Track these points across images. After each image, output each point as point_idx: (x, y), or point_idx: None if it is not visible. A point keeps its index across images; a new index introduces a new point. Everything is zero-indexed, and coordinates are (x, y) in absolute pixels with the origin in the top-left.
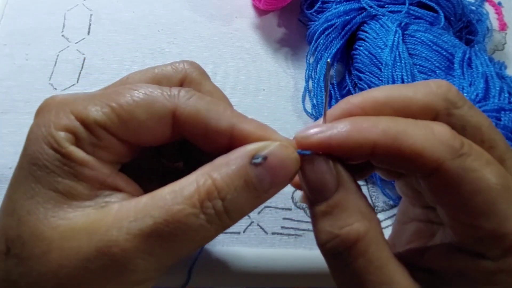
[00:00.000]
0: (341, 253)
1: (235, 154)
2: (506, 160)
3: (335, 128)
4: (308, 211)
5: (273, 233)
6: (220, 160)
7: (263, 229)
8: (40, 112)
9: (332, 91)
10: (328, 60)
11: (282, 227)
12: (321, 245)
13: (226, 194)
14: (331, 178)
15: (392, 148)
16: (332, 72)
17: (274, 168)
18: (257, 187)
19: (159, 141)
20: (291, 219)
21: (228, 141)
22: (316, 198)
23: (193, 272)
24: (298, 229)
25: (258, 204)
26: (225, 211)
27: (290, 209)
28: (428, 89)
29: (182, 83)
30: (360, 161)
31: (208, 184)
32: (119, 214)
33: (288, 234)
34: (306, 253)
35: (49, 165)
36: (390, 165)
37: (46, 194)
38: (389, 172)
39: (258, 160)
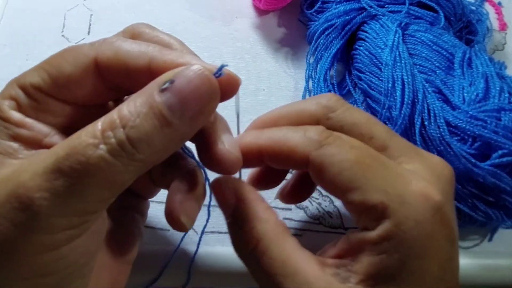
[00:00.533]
0: (249, 256)
1: (145, 88)
2: (388, 147)
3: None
4: (308, 211)
5: None
6: (131, 96)
7: None
8: None
9: (332, 91)
10: (236, 96)
11: None
12: (236, 251)
13: (127, 122)
14: (230, 196)
15: (274, 149)
16: (332, 72)
17: (182, 90)
18: (165, 113)
19: (92, 97)
20: (291, 219)
21: (149, 77)
22: (225, 213)
23: (192, 272)
24: (298, 229)
25: (174, 136)
26: (127, 139)
27: (290, 209)
28: (315, 101)
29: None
30: (259, 164)
31: (113, 115)
32: (32, 158)
33: None
34: None
35: None
36: (278, 164)
37: None
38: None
39: (165, 85)
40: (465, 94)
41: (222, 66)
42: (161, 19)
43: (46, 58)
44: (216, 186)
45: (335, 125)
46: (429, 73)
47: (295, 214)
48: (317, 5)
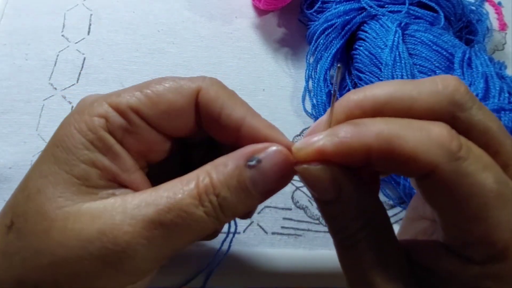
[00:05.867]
0: (346, 247)
1: (233, 155)
2: (509, 166)
3: (328, 137)
4: (308, 211)
5: (273, 233)
6: (220, 160)
7: (263, 229)
8: (77, 104)
9: (332, 91)
10: (339, 65)
11: (282, 227)
12: (333, 233)
13: (220, 191)
14: (331, 186)
15: (386, 152)
16: (332, 72)
17: (267, 172)
18: (250, 188)
19: (186, 129)
20: (291, 219)
21: (237, 132)
22: (320, 201)
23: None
24: (298, 229)
25: (252, 205)
26: (219, 206)
27: (290, 209)
28: (434, 89)
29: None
30: (360, 165)
31: (206, 181)
32: (123, 202)
33: (288, 234)
34: (306, 253)
35: (72, 148)
36: (386, 168)
37: (60, 175)
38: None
39: (253, 163)
40: None
41: None
42: (161, 19)
43: (141, 83)
44: (314, 173)
45: (460, 127)
46: (429, 73)
47: (295, 214)
48: (317, 5)
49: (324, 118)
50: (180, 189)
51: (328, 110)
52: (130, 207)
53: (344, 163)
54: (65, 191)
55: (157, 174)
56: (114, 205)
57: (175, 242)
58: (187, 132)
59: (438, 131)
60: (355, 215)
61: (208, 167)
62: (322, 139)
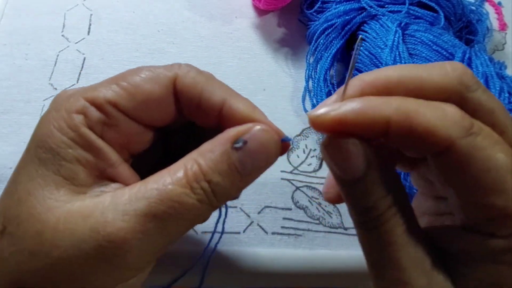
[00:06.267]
0: (371, 228)
1: (218, 140)
2: None
3: (348, 105)
4: (308, 211)
5: (273, 233)
6: (205, 146)
7: (263, 229)
8: (53, 100)
9: (332, 91)
10: (361, 36)
11: (282, 227)
12: (356, 215)
13: (211, 177)
14: (361, 161)
15: (405, 125)
16: (332, 72)
17: (254, 152)
18: (240, 170)
19: (165, 118)
20: (291, 219)
21: (218, 115)
22: (345, 179)
23: (190, 272)
24: (298, 229)
25: (244, 186)
26: (212, 192)
27: (290, 209)
28: (443, 71)
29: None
30: (376, 140)
31: (195, 168)
32: (113, 199)
33: (288, 234)
34: (306, 253)
35: (55, 148)
36: (403, 144)
37: (48, 176)
38: (405, 164)
39: (239, 145)
40: None
41: (289, 139)
42: (161, 19)
43: (117, 75)
44: (343, 146)
45: (468, 108)
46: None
47: (295, 214)
48: (317, 5)
49: (334, 96)
50: (168, 179)
51: (342, 86)
52: (121, 203)
53: (362, 134)
54: (55, 192)
55: (141, 164)
56: (105, 202)
57: (170, 232)
58: (168, 120)
59: (452, 109)
60: (383, 194)
61: (194, 154)
62: (342, 106)
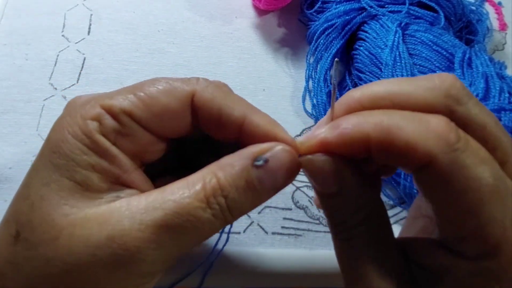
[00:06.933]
0: (343, 239)
1: (239, 155)
2: (507, 162)
3: (329, 129)
4: (308, 211)
5: (273, 233)
6: (225, 160)
7: (263, 229)
8: (67, 106)
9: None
10: (336, 59)
11: (282, 227)
12: (331, 226)
13: (229, 193)
14: (333, 178)
15: (385, 141)
16: (332, 72)
17: (275, 171)
18: (258, 188)
19: (181, 131)
20: (291, 219)
21: (238, 130)
22: (322, 193)
23: (195, 273)
24: (298, 229)
25: (259, 203)
26: (227, 208)
27: (290, 209)
28: (431, 84)
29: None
30: (363, 156)
31: (213, 182)
32: (130, 206)
33: (288, 234)
34: (306, 253)
35: (70, 154)
36: (385, 160)
37: (62, 182)
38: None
39: (260, 163)
40: None
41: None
42: (161, 19)
43: (134, 84)
44: (316, 165)
45: (458, 122)
46: (429, 73)
47: (295, 214)
48: (317, 5)
49: (325, 117)
50: (186, 192)
51: (330, 107)
52: (137, 211)
53: (346, 154)
54: (69, 198)
55: (154, 169)
56: (121, 209)
57: (184, 244)
58: (182, 133)
59: (437, 122)
60: (354, 210)
61: (213, 167)
62: (324, 131)
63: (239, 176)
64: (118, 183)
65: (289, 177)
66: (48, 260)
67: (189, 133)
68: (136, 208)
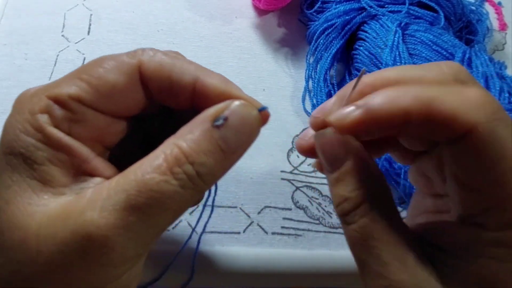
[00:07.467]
0: (349, 214)
1: (197, 121)
2: None
3: (368, 104)
4: (308, 211)
5: (273, 233)
6: (183, 129)
7: (263, 229)
8: (15, 102)
9: (332, 91)
10: (364, 68)
11: (282, 227)
12: (335, 208)
13: (195, 159)
14: (341, 149)
15: (425, 113)
16: (332, 72)
17: (237, 127)
18: (224, 148)
19: (136, 106)
20: (291, 219)
21: (192, 95)
22: (330, 167)
23: (194, 270)
24: (298, 229)
25: (230, 166)
26: (197, 174)
27: (290, 209)
28: (439, 69)
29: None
30: (399, 131)
31: (175, 152)
32: (92, 196)
33: (288, 234)
34: (306, 253)
35: (24, 152)
36: (422, 132)
37: (23, 182)
38: (404, 155)
39: (220, 122)
40: None
41: (265, 108)
42: (161, 19)
43: (78, 68)
44: (326, 137)
45: None
46: None
47: (295, 214)
48: (317, 5)
49: (333, 99)
50: (147, 169)
51: (341, 89)
52: (99, 199)
53: (377, 131)
54: (33, 197)
55: (121, 156)
56: (82, 201)
57: (155, 224)
58: (138, 108)
59: (476, 92)
60: (358, 186)
61: (173, 139)
62: (354, 109)
63: (202, 140)
64: (81, 174)
65: (253, 130)
66: (21, 263)
67: (146, 108)
68: (99, 196)
